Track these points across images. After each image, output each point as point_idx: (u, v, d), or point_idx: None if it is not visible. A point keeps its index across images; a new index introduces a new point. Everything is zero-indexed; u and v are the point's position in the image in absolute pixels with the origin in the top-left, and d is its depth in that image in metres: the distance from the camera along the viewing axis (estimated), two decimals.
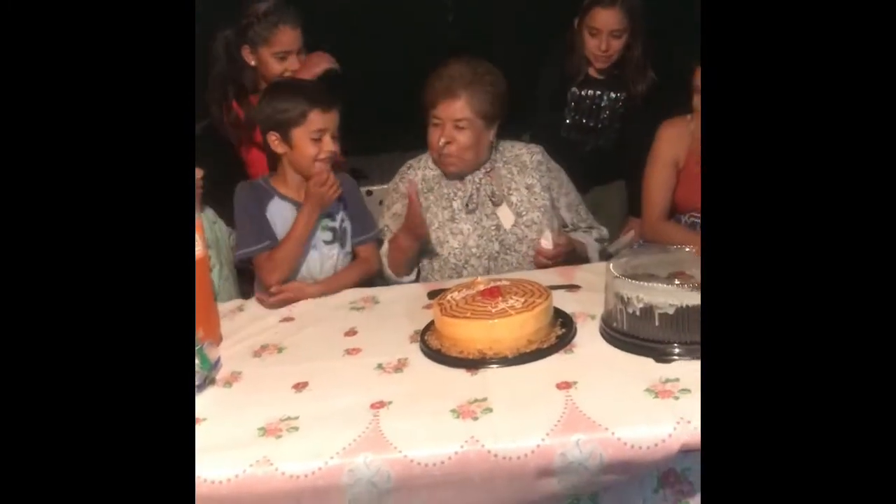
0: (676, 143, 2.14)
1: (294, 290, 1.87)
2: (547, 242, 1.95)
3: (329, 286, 1.92)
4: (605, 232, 2.18)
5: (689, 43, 2.09)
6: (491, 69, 2.01)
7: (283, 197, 1.96)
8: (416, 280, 2.05)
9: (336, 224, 1.99)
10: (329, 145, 1.90)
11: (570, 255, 2.00)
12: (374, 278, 2.04)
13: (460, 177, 2.06)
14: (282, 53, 2.20)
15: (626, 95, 2.52)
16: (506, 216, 2.03)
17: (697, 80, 1.99)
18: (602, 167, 2.58)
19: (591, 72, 2.52)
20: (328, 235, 1.98)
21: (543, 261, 1.95)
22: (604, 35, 2.41)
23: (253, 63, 2.23)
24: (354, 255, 2.04)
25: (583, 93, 2.53)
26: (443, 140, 1.99)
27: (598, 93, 2.53)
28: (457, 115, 1.97)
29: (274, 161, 2.02)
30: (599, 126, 2.55)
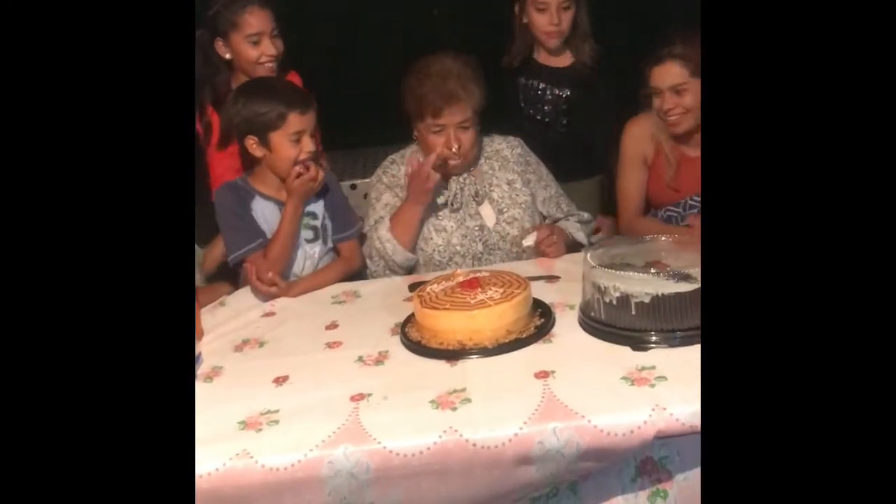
0: (642, 141, 2.14)
1: (282, 287, 1.87)
2: (529, 241, 1.95)
3: (311, 284, 1.91)
4: (585, 216, 2.15)
5: (634, 18, 2.12)
6: (470, 59, 1.98)
7: (265, 196, 1.95)
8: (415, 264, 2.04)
9: (317, 222, 1.99)
10: (308, 146, 1.90)
11: (564, 243, 1.98)
12: (356, 275, 2.02)
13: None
14: (254, 37, 2.12)
15: (568, 93, 2.44)
16: (488, 214, 2.03)
17: (657, 82, 2.00)
18: (562, 163, 2.40)
19: (542, 57, 2.45)
20: (309, 234, 1.98)
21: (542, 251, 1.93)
22: (553, 8, 2.32)
23: (228, 56, 2.17)
24: (337, 252, 2.04)
25: (529, 83, 2.46)
26: (455, 147, 1.94)
27: (542, 86, 2.45)
28: (460, 119, 1.93)
29: (246, 166, 2.01)
30: (546, 120, 2.48)
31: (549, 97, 2.46)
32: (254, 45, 2.13)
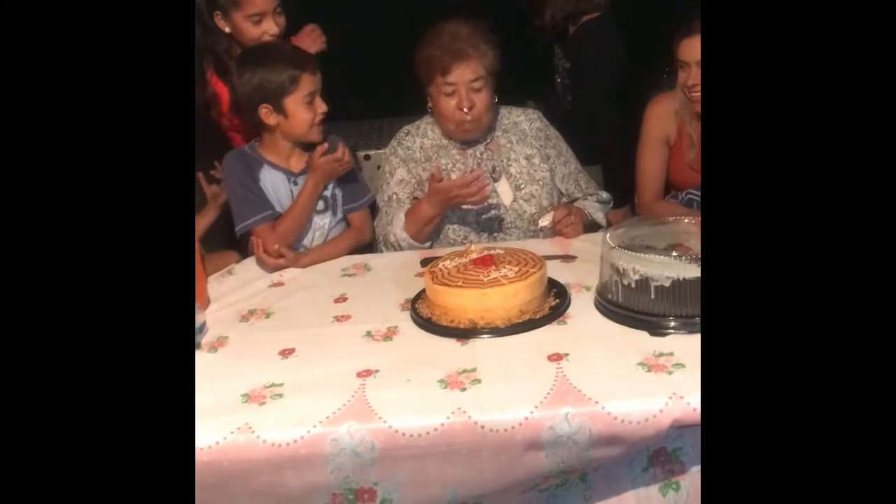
0: (664, 121, 2.07)
1: (290, 258, 1.83)
2: (545, 221, 1.89)
3: (320, 255, 1.88)
4: (604, 195, 2.08)
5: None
6: (483, 23, 1.93)
7: (273, 165, 1.91)
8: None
9: (327, 193, 1.95)
10: (322, 106, 1.86)
11: (583, 223, 1.93)
12: (367, 246, 1.99)
13: (465, 145, 1.99)
14: (256, 16, 2.04)
15: (568, 65, 2.41)
16: (505, 191, 1.98)
17: (684, 55, 1.91)
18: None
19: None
20: (319, 204, 1.93)
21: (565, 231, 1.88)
22: None
23: (227, 30, 2.09)
24: (347, 223, 2.00)
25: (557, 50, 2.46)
26: (466, 106, 1.89)
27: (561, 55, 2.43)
28: (471, 77, 1.87)
29: (250, 136, 1.97)
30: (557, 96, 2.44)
31: (561, 69, 2.40)
32: (255, 24, 2.05)
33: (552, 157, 2.03)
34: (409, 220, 1.92)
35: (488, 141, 2.00)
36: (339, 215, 1.98)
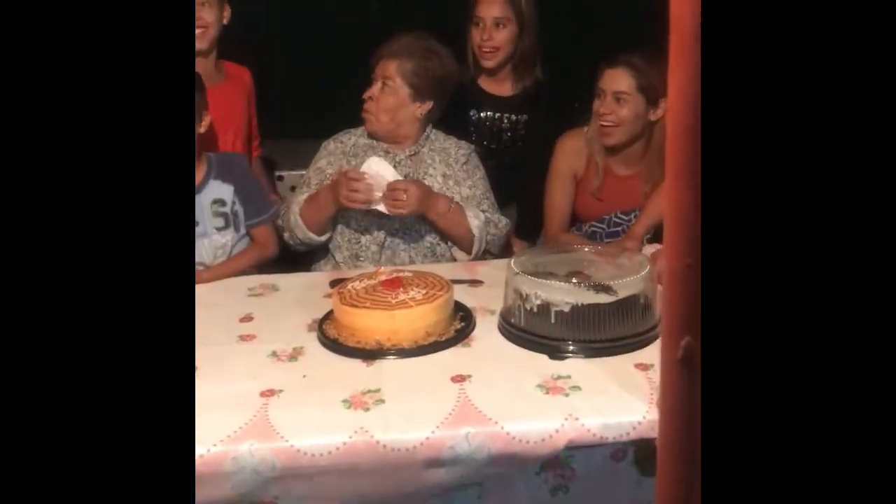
0: (574, 156, 2.15)
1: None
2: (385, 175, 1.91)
3: (222, 271, 1.87)
4: (503, 222, 2.08)
5: (586, 42, 2.13)
6: (437, 49, 2.03)
7: None
8: (328, 243, 2.03)
9: (226, 209, 1.92)
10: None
11: (448, 222, 1.97)
12: (270, 262, 1.99)
13: (393, 146, 2.05)
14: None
15: (526, 118, 2.39)
16: None
17: (604, 84, 2.01)
18: (498, 186, 2.32)
19: (484, 84, 2.39)
20: (219, 221, 1.91)
21: (395, 203, 1.88)
22: (487, 24, 2.26)
23: None
24: (251, 239, 1.98)
25: (482, 115, 2.39)
26: (367, 93, 2.01)
27: (497, 115, 2.40)
28: (384, 73, 1.99)
29: None
30: (501, 147, 2.43)
31: (506, 124, 2.40)
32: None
33: (461, 180, 2.08)
34: (306, 206, 1.97)
35: (412, 153, 2.05)
36: (242, 231, 1.95)
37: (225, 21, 2.17)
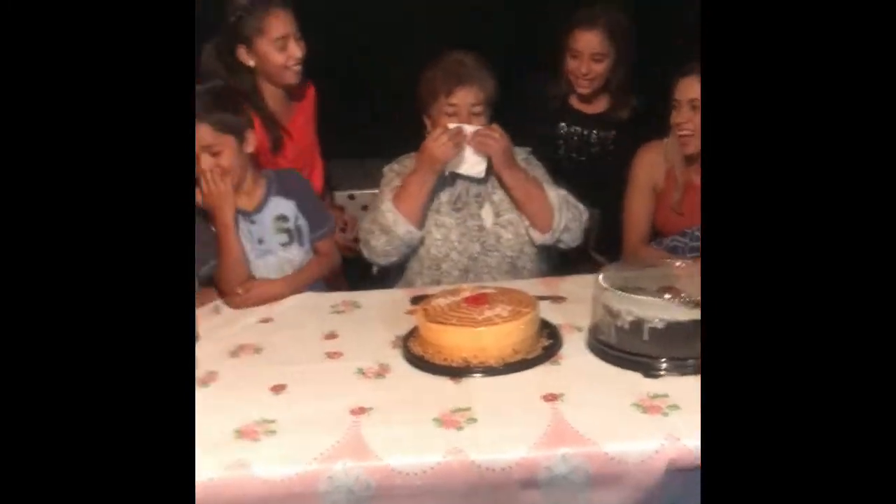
0: (653, 168, 2.12)
1: (258, 290, 1.82)
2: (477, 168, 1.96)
3: (292, 283, 1.87)
4: (577, 204, 2.05)
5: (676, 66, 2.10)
6: (484, 61, 2.02)
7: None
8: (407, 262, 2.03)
9: (290, 224, 1.94)
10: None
11: (525, 192, 1.98)
12: (336, 273, 2.01)
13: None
14: (280, 41, 2.07)
15: (615, 133, 2.41)
16: (487, 216, 2.03)
17: (679, 94, 1.98)
18: (586, 198, 2.32)
19: (576, 103, 2.42)
20: (284, 237, 1.93)
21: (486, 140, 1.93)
22: (584, 58, 2.30)
23: (252, 63, 2.11)
24: (315, 252, 1.99)
25: (570, 129, 2.43)
26: (454, 126, 1.94)
27: (586, 131, 2.42)
28: (472, 100, 1.96)
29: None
30: (589, 161, 2.44)
31: (594, 139, 2.42)
32: (280, 49, 2.08)
33: None
34: (398, 195, 1.97)
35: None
36: (307, 245, 1.96)
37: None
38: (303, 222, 1.95)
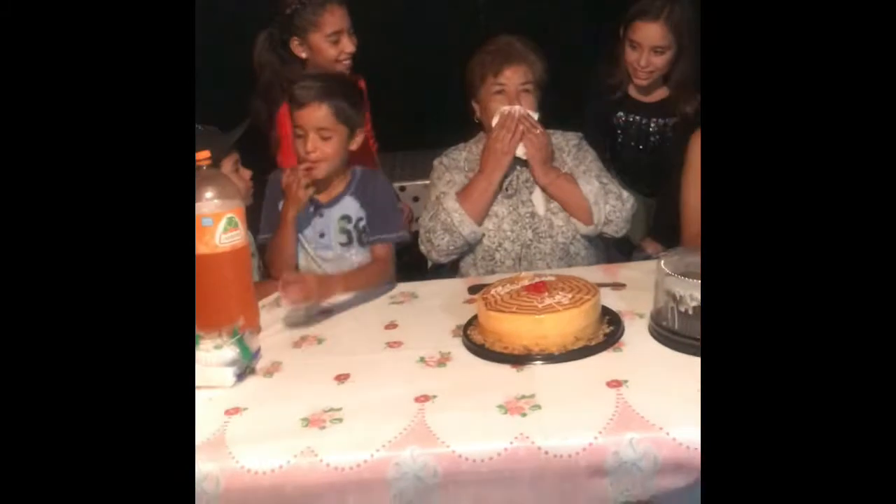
0: None
1: (304, 285, 1.65)
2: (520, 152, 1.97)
3: (342, 283, 1.75)
4: (621, 193, 2.02)
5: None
6: (533, 44, 2.02)
7: None
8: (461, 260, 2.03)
9: (350, 225, 1.94)
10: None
11: (558, 189, 1.99)
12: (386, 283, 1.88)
13: None
14: (334, 35, 2.13)
15: (675, 120, 2.37)
16: (539, 202, 2.03)
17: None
18: (647, 186, 2.42)
19: (634, 93, 2.39)
20: (343, 237, 1.94)
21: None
22: (644, 50, 2.26)
23: (304, 55, 2.17)
24: (373, 256, 1.94)
25: (630, 118, 2.40)
26: (507, 107, 1.95)
27: (644, 120, 2.40)
28: (520, 80, 1.96)
29: None
30: (648, 149, 2.42)
31: (654, 128, 2.40)
32: (333, 43, 2.14)
33: (574, 168, 2.05)
34: (463, 195, 1.97)
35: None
36: (366, 248, 1.95)
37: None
38: (364, 225, 1.94)
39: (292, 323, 1.68)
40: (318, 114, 1.82)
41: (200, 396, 1.34)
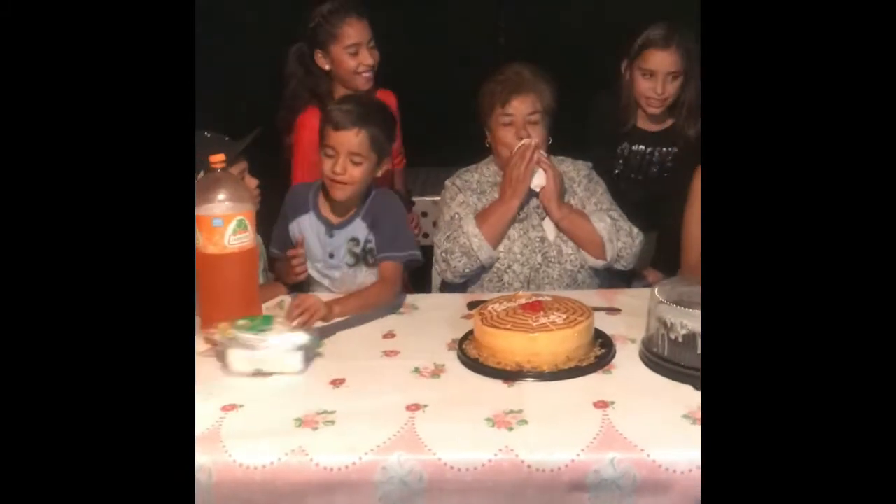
0: None
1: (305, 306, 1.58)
2: (538, 180, 2.00)
3: (344, 306, 1.69)
4: (631, 229, 2.05)
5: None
6: (542, 73, 2.06)
7: (318, 215, 1.95)
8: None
9: (358, 248, 1.94)
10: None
11: (570, 224, 2.02)
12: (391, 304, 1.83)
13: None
14: (353, 48, 2.19)
15: (676, 150, 2.39)
16: (550, 228, 2.06)
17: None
18: (641, 216, 2.32)
19: (641, 122, 2.41)
20: (350, 259, 1.95)
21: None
22: (660, 78, 2.26)
23: (327, 67, 2.23)
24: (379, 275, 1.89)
25: (633, 148, 2.42)
26: (523, 136, 1.99)
27: (650, 149, 2.41)
28: (528, 110, 2.00)
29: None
30: (647, 180, 2.44)
31: (657, 158, 2.41)
32: (352, 55, 2.20)
33: (585, 198, 2.09)
34: (482, 220, 2.00)
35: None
36: (373, 268, 1.92)
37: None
38: (372, 245, 1.93)
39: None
40: (353, 139, 1.83)
41: (200, 392, 1.38)
